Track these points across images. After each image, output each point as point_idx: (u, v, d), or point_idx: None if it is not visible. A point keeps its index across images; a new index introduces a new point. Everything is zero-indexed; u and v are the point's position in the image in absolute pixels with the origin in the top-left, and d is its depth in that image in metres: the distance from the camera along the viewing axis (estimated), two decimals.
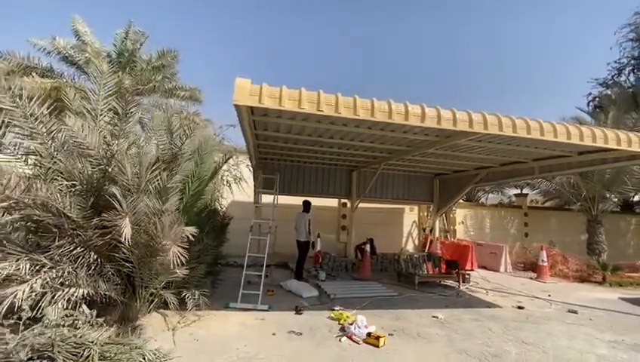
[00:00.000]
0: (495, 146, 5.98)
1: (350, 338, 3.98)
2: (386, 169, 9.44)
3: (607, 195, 10.58)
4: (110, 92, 4.58)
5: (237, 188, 9.45)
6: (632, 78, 14.65)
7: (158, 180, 3.62)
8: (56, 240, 3.24)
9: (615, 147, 4.80)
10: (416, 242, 11.88)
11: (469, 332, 4.47)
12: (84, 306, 3.11)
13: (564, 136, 4.40)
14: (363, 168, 9.30)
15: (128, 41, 10.82)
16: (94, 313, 3.08)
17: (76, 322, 2.88)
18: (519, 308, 5.90)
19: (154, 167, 3.74)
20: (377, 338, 3.86)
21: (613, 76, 15.34)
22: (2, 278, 2.95)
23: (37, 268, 3.03)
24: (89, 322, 3.00)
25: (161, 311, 4.46)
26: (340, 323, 4.52)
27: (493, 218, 13.12)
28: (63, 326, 2.73)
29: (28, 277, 2.93)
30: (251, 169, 8.73)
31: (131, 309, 4.05)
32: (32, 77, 8.51)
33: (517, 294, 7.05)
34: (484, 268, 10.20)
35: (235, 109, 3.54)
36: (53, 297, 2.95)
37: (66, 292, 2.99)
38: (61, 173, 3.59)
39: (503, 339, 4.26)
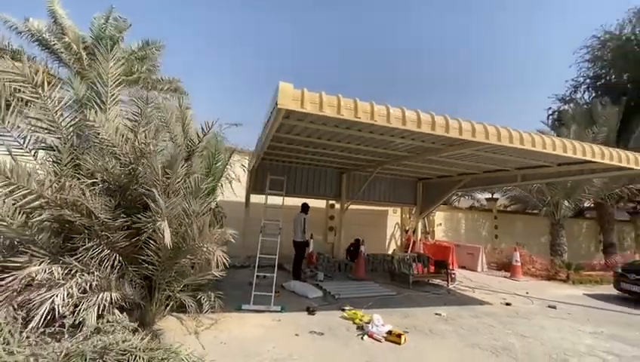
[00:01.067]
0: (486, 155, 6.41)
1: (371, 336, 4.13)
2: (370, 172, 9.74)
3: (567, 202, 11.72)
4: (118, 81, 4.39)
5: (227, 187, 9.28)
6: (586, 95, 16.37)
7: (189, 179, 3.51)
8: (85, 242, 3.04)
9: (594, 160, 5.39)
10: (399, 243, 12.34)
11: (473, 327, 4.81)
12: (116, 311, 2.97)
13: (551, 147, 4.88)
14: (353, 170, 9.53)
15: (109, 27, 10.16)
16: (127, 318, 2.96)
17: (114, 328, 2.75)
18: (507, 304, 6.41)
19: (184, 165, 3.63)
20: (399, 336, 4.05)
21: (570, 93, 17.00)
22: (26, 283, 2.74)
23: (70, 271, 2.83)
24: (125, 327, 2.88)
25: (175, 314, 4.33)
26: (354, 323, 4.66)
27: (468, 220, 13.99)
28: (106, 332, 2.61)
29: (62, 281, 2.74)
30: (246, 170, 8.61)
31: (148, 313, 3.89)
32: (4, 59, 7.73)
33: (499, 292, 7.64)
34: (463, 267, 10.86)
35: (275, 112, 3.55)
36: (87, 302, 2.78)
37: (101, 297, 2.83)
38: (81, 170, 3.37)
39: (504, 333, 4.64)
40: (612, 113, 12.18)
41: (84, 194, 2.89)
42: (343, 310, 5.19)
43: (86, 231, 3.08)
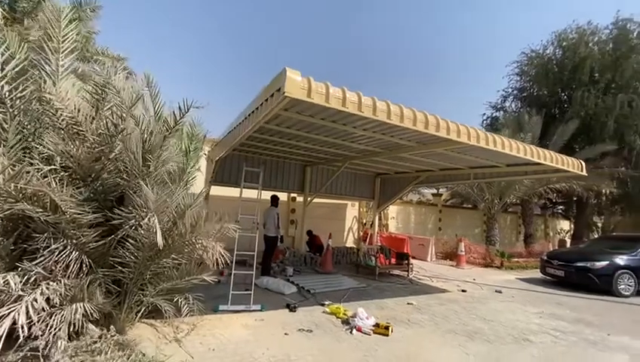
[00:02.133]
0: (451, 154, 6.89)
1: (359, 330, 4.17)
2: (337, 166, 9.85)
3: (501, 199, 13.29)
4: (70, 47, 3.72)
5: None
6: (514, 105, 18.68)
7: (174, 166, 3.10)
8: (49, 242, 2.48)
9: (542, 162, 6.13)
10: (356, 236, 12.73)
11: (444, 315, 5.17)
12: (90, 325, 2.51)
13: (523, 152, 5.45)
14: (318, 164, 9.51)
15: None
16: (108, 332, 2.53)
17: (94, 344, 2.33)
18: (462, 291, 7.04)
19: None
20: (387, 328, 4.16)
21: (502, 102, 19.24)
22: None
23: (29, 280, 2.29)
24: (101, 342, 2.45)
25: (146, 321, 3.84)
26: (337, 317, 4.67)
27: (417, 214, 15.02)
28: (87, 351, 2.19)
29: (20, 292, 2.20)
30: (208, 158, 8.00)
31: (117, 322, 3.39)
32: None
33: (452, 280, 8.35)
34: (414, 258, 11.61)
35: (278, 101, 3.29)
36: (52, 317, 2.29)
37: (73, 310, 2.35)
38: (32, 154, 2.76)
39: (470, 318, 5.08)
40: (536, 122, 14.02)
41: (49, 184, 2.34)
42: (323, 305, 5.17)
43: (51, 230, 2.52)
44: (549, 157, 6.18)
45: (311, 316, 4.67)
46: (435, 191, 16.45)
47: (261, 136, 6.36)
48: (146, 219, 2.57)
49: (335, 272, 7.90)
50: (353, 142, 6.44)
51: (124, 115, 3.24)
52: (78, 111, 2.82)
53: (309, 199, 9.77)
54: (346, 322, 4.47)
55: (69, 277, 2.50)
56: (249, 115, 4.39)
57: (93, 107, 3.39)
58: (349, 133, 5.76)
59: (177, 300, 3.84)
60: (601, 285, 7.32)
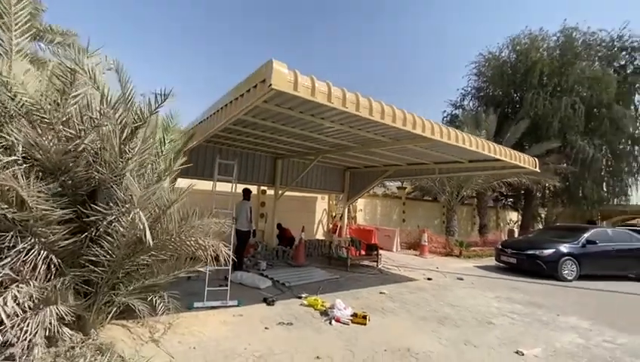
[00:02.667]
0: (419, 150, 7.18)
1: (338, 321, 4.27)
2: (310, 160, 9.86)
3: (459, 192, 14.15)
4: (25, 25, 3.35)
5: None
6: (472, 104, 19.86)
7: (158, 159, 2.91)
8: (16, 241, 2.22)
9: (502, 158, 6.62)
10: (326, 228, 12.88)
11: (414, 302, 5.45)
12: (66, 329, 2.32)
13: (488, 149, 5.83)
14: (289, 157, 9.45)
15: None
16: (86, 337, 2.35)
17: (72, 350, 2.16)
18: (428, 279, 7.46)
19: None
20: (364, 317, 4.30)
21: (461, 100, 20.36)
22: None
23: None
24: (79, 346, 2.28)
25: (117, 321, 3.61)
26: (315, 309, 4.73)
27: (382, 206, 15.52)
28: (66, 357, 2.03)
29: None
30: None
31: (87, 324, 3.15)
32: None
33: (418, 269, 8.80)
34: (381, 248, 12.00)
35: (262, 93, 3.20)
36: (27, 321, 2.07)
37: (47, 314, 2.15)
38: None
39: (439, 305, 5.41)
40: (492, 120, 15.03)
41: (15, 177, 2.09)
42: (300, 297, 5.20)
43: (18, 228, 2.26)
44: (508, 155, 6.68)
45: (289, 309, 4.68)
46: (399, 184, 17.07)
47: (234, 127, 6.16)
48: (131, 214, 2.39)
49: (308, 265, 7.96)
50: (328, 136, 6.47)
51: (102, 104, 2.97)
52: (43, 96, 2.52)
53: (280, 192, 9.70)
54: (324, 313, 4.54)
55: (37, 278, 2.27)
56: (225, 106, 4.23)
57: (60, 93, 3.06)
58: (323, 127, 5.77)
59: (152, 299, 3.67)
60: (548, 271, 8.15)
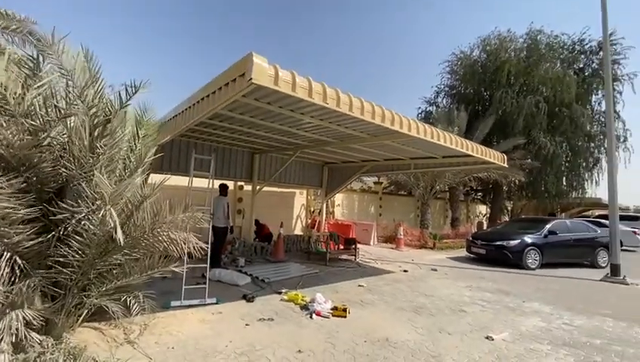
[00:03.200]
0: (395, 145, 7.34)
1: (319, 314, 4.32)
2: (288, 155, 9.82)
3: (433, 186, 14.64)
4: None
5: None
6: (445, 101, 20.51)
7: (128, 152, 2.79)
8: None
9: (472, 154, 6.91)
10: (304, 223, 12.90)
11: (391, 294, 5.62)
12: (33, 334, 2.20)
13: (460, 145, 6.06)
14: (267, 152, 9.36)
15: None
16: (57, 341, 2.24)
17: (43, 356, 2.05)
18: (404, 271, 7.69)
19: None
20: (344, 310, 4.38)
21: (435, 97, 20.97)
22: None
23: None
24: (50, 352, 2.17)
25: (89, 324, 3.46)
26: (296, 304, 4.76)
27: (360, 201, 15.77)
28: None
29: None
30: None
31: (55, 327, 2.99)
32: None
33: (394, 261, 9.05)
34: (359, 242, 12.22)
35: (242, 87, 3.13)
36: None
37: (12, 318, 2.02)
38: None
39: (414, 295, 5.61)
40: (462, 117, 15.62)
41: None
42: (280, 293, 5.21)
43: None
44: (478, 150, 6.98)
45: (269, 305, 4.68)
46: (376, 179, 17.39)
47: (210, 121, 6.01)
48: (102, 211, 2.28)
49: (287, 260, 7.97)
50: (307, 132, 6.47)
51: (70, 95, 2.79)
52: (2, 87, 2.33)
53: (257, 188, 9.59)
54: (305, 308, 4.58)
55: (1, 282, 2.12)
56: (201, 100, 4.11)
57: (21, 82, 2.85)
58: (303, 122, 5.75)
59: (126, 299, 3.54)
60: (514, 260, 8.65)
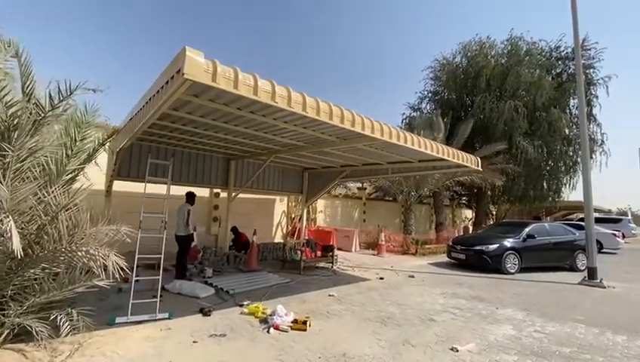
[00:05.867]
0: (370, 150, 7.18)
1: (277, 328, 4.05)
2: (263, 160, 9.57)
3: (415, 191, 14.55)
4: None
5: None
6: (429, 106, 20.63)
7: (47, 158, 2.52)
8: None
9: (444, 157, 6.78)
10: (285, 231, 12.61)
11: (361, 303, 5.38)
12: None
13: (430, 148, 5.93)
14: (243, 158, 9.10)
15: None
16: None
17: None
18: (380, 278, 7.47)
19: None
20: (304, 322, 4.12)
21: (418, 103, 21.07)
22: None
23: None
24: None
25: (12, 345, 3.12)
26: (256, 317, 4.48)
27: (343, 207, 15.57)
28: None
29: None
30: (107, 149, 6.95)
31: None
32: None
33: (372, 268, 8.83)
34: (340, 249, 12.03)
35: (177, 84, 2.90)
36: None
37: None
38: None
39: (385, 304, 5.38)
40: (445, 123, 15.68)
41: None
42: (241, 305, 4.92)
43: None
44: (452, 154, 6.87)
45: (227, 319, 4.38)
46: (360, 185, 17.25)
47: (172, 125, 5.73)
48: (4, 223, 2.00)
49: (260, 270, 7.66)
50: (276, 136, 6.26)
51: None
52: None
53: (233, 194, 9.29)
54: (264, 321, 4.30)
55: None
56: (149, 100, 3.86)
57: None
58: (271, 126, 5.55)
59: (56, 317, 3.22)
60: (493, 264, 8.53)
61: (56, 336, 3.15)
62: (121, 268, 2.59)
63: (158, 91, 3.54)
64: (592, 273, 7.69)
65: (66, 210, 2.48)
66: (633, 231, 23.42)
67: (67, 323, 3.20)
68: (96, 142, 4.00)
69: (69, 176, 3.08)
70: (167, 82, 3.23)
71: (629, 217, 27.58)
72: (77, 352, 3.19)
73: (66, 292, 2.88)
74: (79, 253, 2.43)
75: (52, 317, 3.18)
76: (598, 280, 7.52)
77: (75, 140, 3.49)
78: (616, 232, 15.36)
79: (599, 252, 12.14)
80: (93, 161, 4.74)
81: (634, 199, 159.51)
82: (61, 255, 2.46)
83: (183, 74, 2.71)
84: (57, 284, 2.73)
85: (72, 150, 3.38)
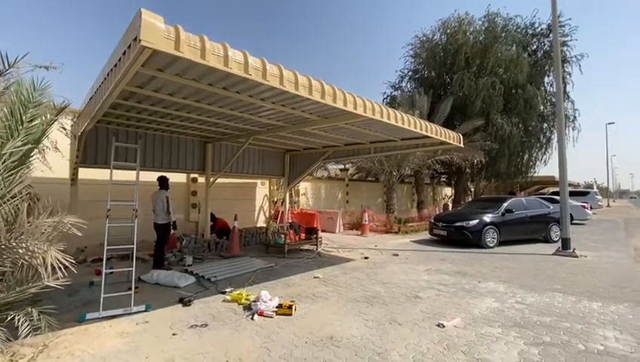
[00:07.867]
0: (352, 129, 6.99)
1: (262, 314, 3.92)
2: (241, 142, 9.19)
3: (397, 171, 14.60)
4: None
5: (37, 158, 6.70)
6: (409, 85, 20.48)
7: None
8: None
9: (428, 134, 6.70)
10: (268, 215, 12.40)
11: (347, 284, 5.32)
12: None
13: (413, 125, 5.80)
14: (220, 140, 8.69)
15: None
16: None
17: None
18: (365, 258, 7.47)
19: None
20: (289, 307, 4.00)
21: (399, 81, 20.86)
22: None
23: None
24: None
25: None
26: (239, 304, 4.33)
27: (326, 189, 15.45)
28: None
29: None
30: (69, 134, 6.39)
31: None
32: None
33: (357, 248, 8.83)
34: (324, 231, 11.99)
35: (135, 53, 2.54)
36: None
37: None
38: None
39: (371, 284, 5.36)
40: (424, 101, 15.63)
41: None
42: (224, 293, 4.74)
43: None
44: (435, 131, 6.78)
45: (209, 308, 4.20)
46: (342, 166, 17.14)
47: (139, 105, 5.29)
48: None
49: (242, 255, 7.47)
50: (254, 115, 5.92)
51: None
52: None
53: (211, 179, 8.92)
54: (248, 308, 4.15)
55: None
56: (108, 75, 3.46)
57: None
58: (247, 105, 5.22)
59: (14, 318, 2.92)
60: (474, 239, 8.72)
61: (14, 339, 2.87)
62: (65, 266, 2.31)
63: (115, 64, 3.15)
64: (565, 243, 8.00)
65: (6, 201, 2.16)
66: (599, 203, 24.85)
67: (27, 324, 2.91)
68: (45, 124, 3.55)
69: (13, 161, 2.68)
70: (124, 53, 2.86)
71: (595, 190, 29.18)
72: (41, 354, 2.93)
73: (15, 294, 2.57)
74: (20, 250, 2.13)
75: (9, 319, 2.89)
76: (571, 250, 7.85)
77: (22, 121, 3.07)
78: (585, 204, 16.14)
79: (570, 223, 12.73)
80: (43, 145, 4.30)
81: (599, 173, 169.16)
82: (1, 252, 2.15)
83: (140, 41, 2.36)
84: (4, 286, 2.42)
85: (17, 132, 2.97)
